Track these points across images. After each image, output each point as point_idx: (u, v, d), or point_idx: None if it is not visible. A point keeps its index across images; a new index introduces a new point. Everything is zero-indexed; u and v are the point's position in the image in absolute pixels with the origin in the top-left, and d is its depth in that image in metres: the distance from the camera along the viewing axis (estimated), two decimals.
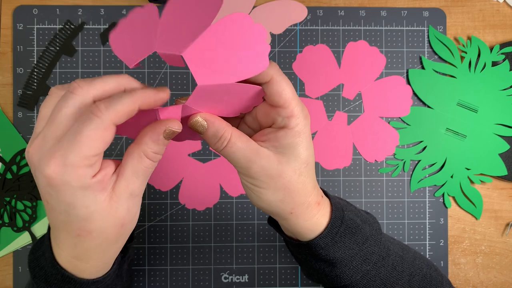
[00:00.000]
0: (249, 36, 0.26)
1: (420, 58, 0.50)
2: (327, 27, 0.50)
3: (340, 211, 0.33)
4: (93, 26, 0.49)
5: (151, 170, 0.28)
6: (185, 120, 0.29)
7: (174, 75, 0.49)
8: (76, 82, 0.25)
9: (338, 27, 0.50)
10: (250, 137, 0.29)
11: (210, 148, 0.48)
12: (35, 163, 0.25)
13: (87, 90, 0.24)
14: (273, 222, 0.36)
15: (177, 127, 0.26)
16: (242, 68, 0.26)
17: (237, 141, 0.28)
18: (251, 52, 0.26)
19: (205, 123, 0.28)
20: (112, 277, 0.31)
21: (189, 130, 0.29)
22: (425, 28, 0.50)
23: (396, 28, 0.50)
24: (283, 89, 0.28)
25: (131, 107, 0.24)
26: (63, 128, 0.24)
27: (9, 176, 0.48)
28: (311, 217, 0.31)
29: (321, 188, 0.34)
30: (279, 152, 0.29)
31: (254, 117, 0.31)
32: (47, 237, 0.30)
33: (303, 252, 0.33)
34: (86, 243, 0.27)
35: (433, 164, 0.49)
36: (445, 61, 0.50)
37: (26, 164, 0.48)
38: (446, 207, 0.50)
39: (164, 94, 0.26)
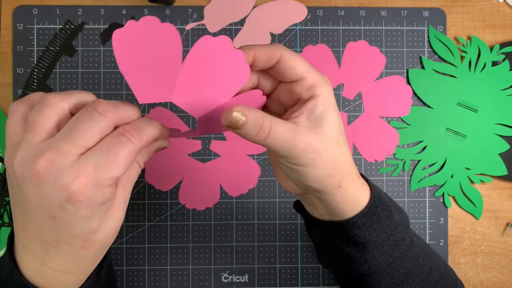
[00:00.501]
0: (227, 59, 0.27)
1: (420, 58, 0.50)
2: (327, 27, 0.50)
3: (378, 192, 0.32)
4: (93, 26, 0.49)
5: (136, 176, 0.30)
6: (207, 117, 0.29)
7: None
8: (53, 96, 0.26)
9: (338, 27, 0.50)
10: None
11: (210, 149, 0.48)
12: (40, 176, 0.24)
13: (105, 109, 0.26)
14: (298, 206, 0.36)
15: (166, 144, 0.30)
16: (229, 86, 0.27)
17: (278, 127, 0.27)
18: (231, 70, 0.27)
19: (243, 117, 0.26)
20: (91, 284, 0.31)
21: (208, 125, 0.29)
22: (425, 28, 0.50)
23: (396, 28, 0.50)
24: (296, 62, 0.28)
25: (154, 137, 0.27)
26: (85, 144, 0.25)
27: None
28: (356, 191, 0.30)
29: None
30: (314, 124, 0.28)
31: (277, 101, 0.31)
32: (7, 255, 0.28)
33: (335, 234, 0.32)
34: (86, 254, 0.27)
35: (433, 164, 0.49)
36: (445, 61, 0.50)
37: None
38: (446, 207, 0.50)
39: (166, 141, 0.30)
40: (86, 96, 0.27)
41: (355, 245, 0.32)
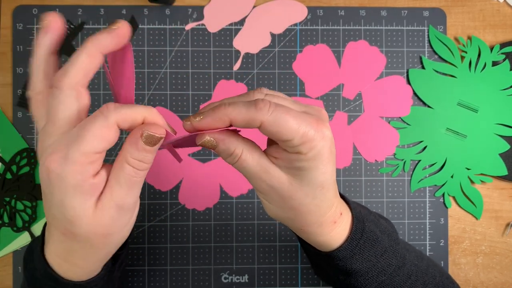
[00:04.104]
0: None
1: (420, 58, 0.50)
2: (327, 27, 0.50)
3: (361, 223, 0.31)
4: (93, 26, 0.49)
5: (137, 179, 0.26)
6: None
7: (174, 75, 0.49)
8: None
9: (338, 27, 0.50)
10: (267, 143, 0.29)
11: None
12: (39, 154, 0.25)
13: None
14: None
15: (157, 131, 0.25)
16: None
17: (248, 157, 0.27)
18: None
19: (214, 142, 0.26)
20: (99, 283, 0.31)
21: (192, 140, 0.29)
22: (425, 28, 0.50)
23: (396, 28, 0.50)
24: (280, 127, 0.24)
25: (135, 114, 0.25)
26: (69, 125, 0.25)
27: (8, 176, 0.48)
28: (325, 234, 0.30)
29: (341, 195, 0.33)
30: (291, 173, 0.27)
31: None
32: (42, 232, 0.30)
33: (319, 258, 0.33)
34: (70, 244, 0.27)
35: (433, 164, 0.49)
36: (445, 61, 0.50)
37: (26, 164, 0.48)
38: (446, 207, 0.49)
39: (124, 28, 0.26)
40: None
41: (339, 271, 0.32)
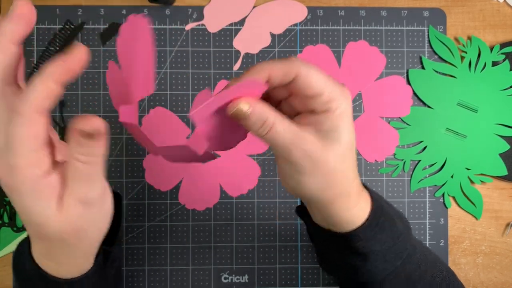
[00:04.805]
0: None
1: (420, 58, 0.50)
2: (327, 27, 0.50)
3: (379, 202, 0.32)
4: (93, 26, 0.49)
5: (92, 173, 0.25)
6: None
7: (174, 75, 0.49)
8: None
9: (338, 27, 0.50)
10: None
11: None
12: None
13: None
14: (300, 211, 0.35)
15: (89, 125, 0.23)
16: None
17: (280, 125, 0.27)
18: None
19: (248, 108, 0.26)
20: (91, 279, 0.31)
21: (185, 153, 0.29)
22: (425, 28, 0.50)
23: (396, 28, 0.50)
24: (313, 78, 0.26)
25: (46, 88, 0.23)
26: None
27: None
28: (352, 208, 0.30)
29: None
30: (322, 136, 0.27)
31: (290, 105, 0.29)
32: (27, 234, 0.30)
33: (335, 243, 0.32)
34: (48, 244, 0.27)
35: (433, 164, 0.49)
36: (445, 61, 0.50)
37: None
38: (446, 207, 0.50)
39: (79, 54, 0.23)
40: None
41: (356, 255, 0.31)
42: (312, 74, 0.26)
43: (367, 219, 0.30)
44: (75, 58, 0.23)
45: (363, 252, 0.31)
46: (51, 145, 0.25)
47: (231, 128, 0.29)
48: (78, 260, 0.29)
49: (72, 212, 0.25)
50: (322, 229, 0.32)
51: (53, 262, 0.28)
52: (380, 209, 0.31)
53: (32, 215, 0.25)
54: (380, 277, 0.32)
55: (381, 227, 0.31)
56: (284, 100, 0.30)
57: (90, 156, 0.24)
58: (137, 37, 0.27)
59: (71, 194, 0.25)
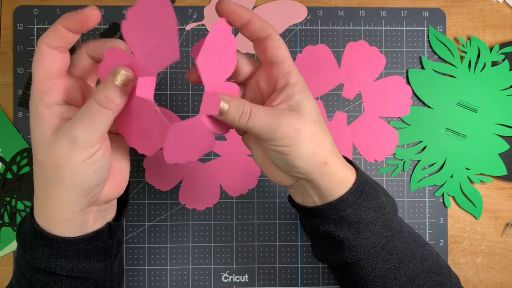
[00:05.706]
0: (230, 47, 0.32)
1: (420, 58, 0.50)
2: (327, 27, 0.50)
3: (363, 172, 0.34)
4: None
5: (98, 116, 0.28)
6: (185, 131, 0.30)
7: (174, 75, 0.49)
8: None
9: (338, 27, 0.50)
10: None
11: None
12: None
13: None
14: (293, 200, 0.36)
15: (127, 71, 0.28)
16: (223, 71, 0.31)
17: (257, 111, 0.30)
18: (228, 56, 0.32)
19: (226, 104, 0.29)
20: (90, 245, 0.31)
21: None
22: (425, 28, 0.50)
23: (396, 28, 0.50)
24: (281, 44, 0.31)
25: (55, 29, 0.28)
26: None
27: (9, 176, 0.48)
28: (341, 168, 0.32)
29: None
30: (294, 109, 0.30)
31: (255, 88, 0.33)
32: (32, 204, 0.31)
33: (328, 219, 0.33)
34: (41, 189, 0.29)
35: (433, 164, 0.49)
36: (445, 61, 0.50)
37: (26, 164, 0.48)
38: (446, 207, 0.50)
39: (88, 11, 0.28)
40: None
41: (348, 228, 0.32)
42: (281, 41, 0.31)
43: (354, 183, 0.32)
44: (84, 13, 0.28)
45: (353, 222, 0.32)
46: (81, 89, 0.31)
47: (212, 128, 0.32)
48: (80, 216, 0.30)
49: (60, 143, 0.28)
50: (314, 208, 0.33)
51: (51, 222, 0.30)
52: (365, 177, 0.34)
53: (33, 134, 0.29)
54: (373, 251, 0.32)
55: (367, 194, 0.33)
56: (248, 88, 0.34)
57: (108, 99, 0.27)
58: (156, 7, 0.27)
59: (68, 127, 0.28)
